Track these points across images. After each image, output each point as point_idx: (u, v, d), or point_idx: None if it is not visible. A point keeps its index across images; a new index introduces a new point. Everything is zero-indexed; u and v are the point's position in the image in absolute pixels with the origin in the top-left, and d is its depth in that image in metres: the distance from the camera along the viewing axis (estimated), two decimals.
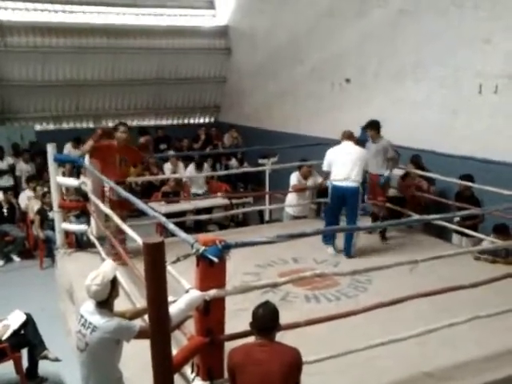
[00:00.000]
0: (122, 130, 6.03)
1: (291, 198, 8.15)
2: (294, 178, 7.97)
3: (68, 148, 11.68)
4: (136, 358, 3.53)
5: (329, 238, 6.45)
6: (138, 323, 3.32)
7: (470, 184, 6.81)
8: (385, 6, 8.93)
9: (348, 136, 6.49)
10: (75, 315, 3.36)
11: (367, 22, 9.34)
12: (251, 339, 3.10)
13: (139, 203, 4.34)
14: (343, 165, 6.30)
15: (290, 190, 8.00)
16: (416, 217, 6.63)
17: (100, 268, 3.27)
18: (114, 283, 3.24)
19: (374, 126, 6.95)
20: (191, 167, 10.15)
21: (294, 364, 2.97)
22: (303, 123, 11.21)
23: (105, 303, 3.21)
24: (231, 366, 3.04)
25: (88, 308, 3.24)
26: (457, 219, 6.70)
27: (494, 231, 6.21)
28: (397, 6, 8.70)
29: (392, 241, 6.99)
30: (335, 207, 6.47)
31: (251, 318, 3.07)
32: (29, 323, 5.21)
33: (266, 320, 3.03)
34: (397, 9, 8.69)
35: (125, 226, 4.56)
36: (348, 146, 6.43)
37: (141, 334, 3.15)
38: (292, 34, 11.45)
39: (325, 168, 6.50)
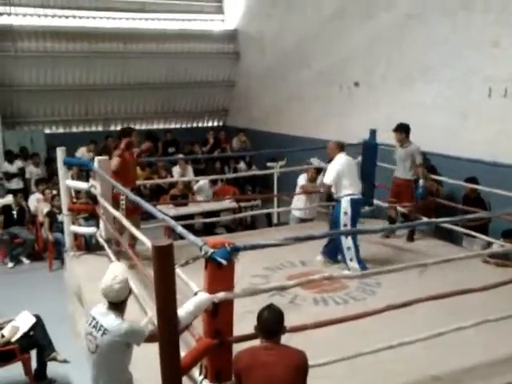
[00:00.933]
0: (135, 133, 6.30)
1: (298, 200, 8.15)
2: (302, 180, 7.98)
3: (82, 152, 11.71)
4: (145, 360, 3.54)
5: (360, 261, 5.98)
6: (149, 326, 3.33)
7: (474, 186, 6.93)
8: (391, 11, 8.94)
9: (343, 147, 6.26)
10: (85, 317, 3.36)
11: (374, 25, 9.34)
12: (259, 341, 3.11)
13: (148, 206, 4.36)
14: (355, 178, 6.16)
15: (299, 190, 8.01)
16: (424, 220, 6.64)
17: (111, 269, 3.27)
18: (129, 284, 3.28)
19: (403, 130, 6.90)
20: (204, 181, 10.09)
21: (300, 367, 2.97)
22: (311, 126, 11.21)
23: (121, 304, 3.22)
24: (237, 369, 3.04)
25: (100, 310, 3.25)
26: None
27: (504, 236, 6.17)
28: (404, 11, 8.71)
29: (402, 244, 6.96)
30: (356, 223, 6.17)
31: (256, 321, 3.07)
32: (38, 325, 5.25)
33: (271, 323, 3.03)
34: (404, 13, 8.70)
35: (137, 232, 4.56)
36: (348, 158, 6.20)
37: (150, 338, 3.16)
38: (300, 37, 11.47)
39: (332, 182, 6.03)
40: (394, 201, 7.14)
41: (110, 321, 3.17)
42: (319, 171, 7.92)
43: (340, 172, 5.99)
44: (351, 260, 5.91)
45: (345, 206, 5.97)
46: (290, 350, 3.04)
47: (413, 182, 6.96)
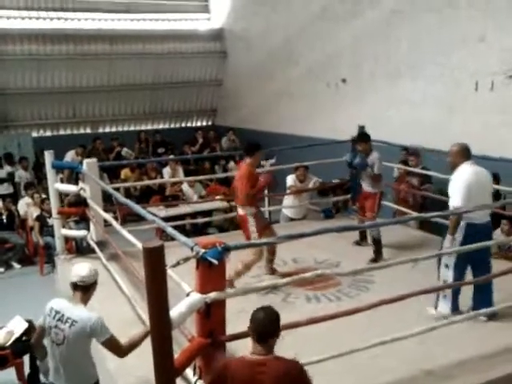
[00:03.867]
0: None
1: (288, 200, 8.15)
2: (291, 180, 7.96)
3: (71, 155, 11.63)
4: (138, 364, 3.53)
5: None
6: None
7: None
8: (377, 7, 8.97)
9: (469, 153, 4.70)
10: (46, 310, 3.53)
11: (361, 22, 9.37)
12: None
13: (138, 208, 4.35)
14: (482, 196, 4.63)
15: (287, 191, 8.00)
16: (414, 214, 6.67)
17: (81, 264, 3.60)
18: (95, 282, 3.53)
19: (365, 139, 6.35)
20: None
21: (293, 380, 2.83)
22: (300, 124, 11.23)
23: (87, 291, 3.47)
24: (224, 375, 2.90)
25: (64, 304, 3.44)
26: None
27: (506, 219, 6.16)
28: (389, 7, 8.74)
29: (394, 240, 6.96)
30: None
31: (250, 321, 2.94)
32: (31, 330, 5.22)
33: (265, 326, 2.87)
34: (390, 9, 8.73)
35: (129, 235, 4.55)
36: (475, 170, 4.65)
37: (111, 342, 3.32)
38: (287, 35, 11.48)
39: (463, 204, 4.44)
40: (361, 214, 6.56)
41: (78, 312, 3.35)
42: (307, 169, 7.93)
43: (468, 189, 4.46)
44: (444, 297, 4.65)
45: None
46: (282, 363, 2.86)
47: (379, 194, 6.36)
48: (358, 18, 9.44)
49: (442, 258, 4.56)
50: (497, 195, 6.63)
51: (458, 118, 7.75)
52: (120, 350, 3.34)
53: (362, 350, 3.67)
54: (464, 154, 4.62)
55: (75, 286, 3.46)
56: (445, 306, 4.59)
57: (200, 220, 8.67)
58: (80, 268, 3.49)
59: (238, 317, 3.49)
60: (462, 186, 4.47)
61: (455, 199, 4.47)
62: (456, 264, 4.49)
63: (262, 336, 2.86)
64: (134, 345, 3.35)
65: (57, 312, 3.40)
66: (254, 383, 2.80)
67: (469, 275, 4.66)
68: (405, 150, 7.99)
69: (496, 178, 6.48)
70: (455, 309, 4.58)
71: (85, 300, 3.46)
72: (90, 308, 3.47)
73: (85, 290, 3.45)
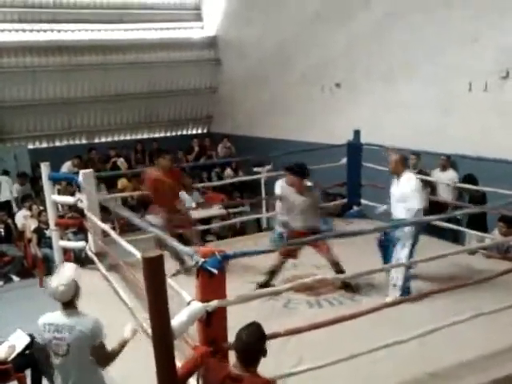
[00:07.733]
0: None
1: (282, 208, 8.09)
2: (280, 187, 7.87)
3: (67, 166, 11.60)
4: (140, 374, 3.52)
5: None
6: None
7: (470, 186, 6.84)
8: (370, 11, 9.00)
9: (407, 162, 5.63)
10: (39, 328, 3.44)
11: (354, 26, 9.39)
12: None
13: (135, 218, 4.35)
14: None
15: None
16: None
17: (60, 271, 3.44)
18: (76, 283, 3.39)
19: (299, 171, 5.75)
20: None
21: None
22: (295, 129, 11.23)
23: (71, 303, 3.36)
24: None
25: (53, 316, 3.39)
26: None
27: (502, 221, 6.17)
28: (382, 9, 8.77)
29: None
30: None
31: (235, 339, 2.92)
32: (33, 344, 5.20)
33: (250, 351, 2.85)
34: (382, 12, 8.76)
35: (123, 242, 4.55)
36: None
37: (103, 347, 3.30)
38: (280, 41, 11.50)
39: (423, 205, 5.23)
40: None
41: (73, 319, 3.31)
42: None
43: (421, 192, 5.27)
44: (394, 286, 5.11)
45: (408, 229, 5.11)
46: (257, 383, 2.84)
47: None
48: (351, 22, 9.46)
49: (400, 240, 5.08)
50: (483, 196, 6.80)
51: (453, 118, 7.76)
52: (106, 358, 3.33)
53: (364, 353, 3.66)
54: (403, 162, 5.33)
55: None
56: (394, 294, 5.02)
57: (198, 228, 8.64)
58: (53, 287, 3.31)
59: (239, 325, 3.50)
60: (417, 190, 5.17)
61: (416, 202, 5.09)
62: (411, 244, 5.06)
63: (244, 358, 2.86)
64: (114, 355, 3.35)
65: (50, 324, 3.36)
66: None
67: None
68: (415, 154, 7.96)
69: (474, 180, 6.73)
70: (406, 293, 5.00)
71: (73, 306, 3.38)
72: None
73: (66, 304, 3.36)
